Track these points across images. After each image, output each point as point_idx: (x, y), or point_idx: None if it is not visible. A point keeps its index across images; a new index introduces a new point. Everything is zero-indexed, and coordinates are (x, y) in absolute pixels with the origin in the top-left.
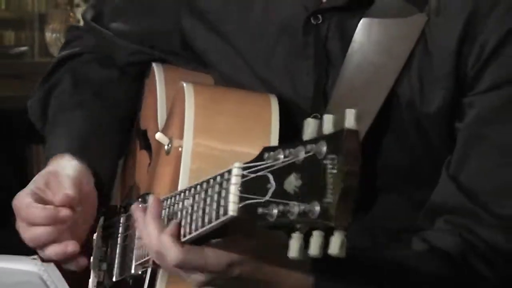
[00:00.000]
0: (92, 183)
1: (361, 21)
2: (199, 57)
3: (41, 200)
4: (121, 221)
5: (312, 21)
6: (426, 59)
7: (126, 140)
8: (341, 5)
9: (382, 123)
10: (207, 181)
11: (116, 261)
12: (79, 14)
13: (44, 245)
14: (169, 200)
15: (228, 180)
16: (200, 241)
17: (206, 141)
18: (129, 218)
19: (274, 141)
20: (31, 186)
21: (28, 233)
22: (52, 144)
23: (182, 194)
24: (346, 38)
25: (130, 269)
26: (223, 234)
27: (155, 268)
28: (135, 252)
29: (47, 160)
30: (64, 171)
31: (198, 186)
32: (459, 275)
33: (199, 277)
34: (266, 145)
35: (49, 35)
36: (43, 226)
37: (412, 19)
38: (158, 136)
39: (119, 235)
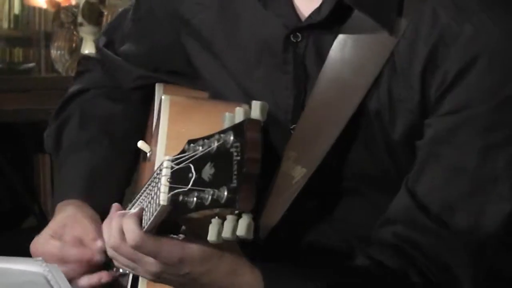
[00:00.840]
0: (97, 215)
1: (336, 39)
2: (197, 75)
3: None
4: None
5: (292, 38)
6: (394, 79)
7: (135, 165)
8: (317, 23)
9: (352, 130)
10: (154, 177)
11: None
12: (82, 32)
13: (74, 278)
14: (133, 200)
15: (160, 172)
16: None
17: (175, 150)
18: None
19: None
20: (48, 231)
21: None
22: (63, 187)
23: (141, 192)
24: (322, 55)
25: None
26: (174, 228)
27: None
28: None
29: (55, 200)
30: (80, 218)
31: (149, 182)
32: None
33: (151, 266)
34: None
35: (54, 52)
36: (75, 264)
37: (382, 40)
38: (140, 144)
39: None
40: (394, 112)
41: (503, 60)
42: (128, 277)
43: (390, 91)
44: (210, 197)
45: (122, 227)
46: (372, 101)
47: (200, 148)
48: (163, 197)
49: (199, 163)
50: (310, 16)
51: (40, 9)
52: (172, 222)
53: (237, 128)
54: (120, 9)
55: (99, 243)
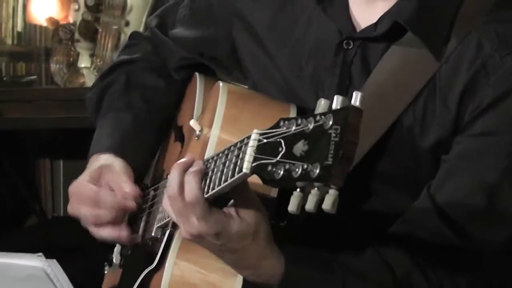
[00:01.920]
0: (130, 167)
1: (385, 53)
2: (239, 65)
3: (98, 195)
4: (150, 195)
5: (344, 45)
6: (431, 99)
7: (163, 138)
8: (372, 37)
9: (385, 140)
10: (229, 148)
11: (141, 226)
12: (79, 48)
13: (102, 225)
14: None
15: (247, 144)
16: (219, 202)
17: (229, 132)
18: (156, 194)
19: None
20: (86, 176)
21: (92, 212)
22: (99, 140)
23: (207, 162)
24: (368, 64)
25: (151, 232)
26: (224, 202)
27: (173, 232)
28: (158, 216)
29: (91, 153)
30: (115, 167)
31: (220, 153)
32: None
33: (193, 228)
34: None
35: (53, 66)
36: (107, 209)
37: (427, 62)
38: (192, 123)
39: (147, 206)
40: (426, 126)
41: None
42: (164, 237)
43: (425, 109)
44: (300, 171)
45: (183, 180)
46: (408, 116)
47: (294, 126)
48: (246, 165)
49: (291, 139)
50: (366, 28)
51: (40, 26)
52: (224, 197)
53: (338, 113)
54: (114, 27)
55: (131, 189)
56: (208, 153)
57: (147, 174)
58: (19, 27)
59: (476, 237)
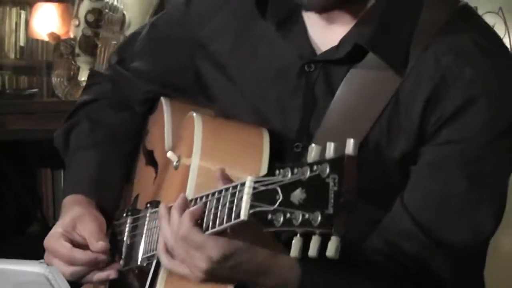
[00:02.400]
0: (101, 216)
1: (348, 73)
2: (205, 92)
3: (72, 242)
4: (128, 222)
5: (306, 68)
6: (395, 114)
7: (133, 167)
8: (334, 60)
9: None
10: (219, 191)
11: (123, 254)
12: (79, 62)
13: (84, 277)
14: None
15: (241, 190)
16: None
17: (209, 162)
18: (136, 219)
19: (264, 165)
20: (59, 229)
21: (69, 270)
22: (70, 181)
23: (193, 201)
24: (331, 85)
25: (137, 260)
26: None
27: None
28: (142, 246)
29: (65, 193)
30: (86, 221)
31: (210, 195)
32: None
33: (201, 262)
34: (258, 168)
35: (55, 80)
36: (82, 265)
37: (389, 79)
38: (169, 154)
39: (126, 233)
40: (392, 140)
41: (498, 102)
42: (151, 266)
43: (390, 124)
44: (300, 219)
45: (176, 219)
46: (375, 132)
47: (289, 174)
48: (244, 212)
49: (288, 187)
50: (327, 51)
51: (42, 41)
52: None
53: (334, 162)
54: (113, 42)
55: (101, 245)
56: (190, 183)
57: (119, 205)
58: (22, 41)
59: (449, 241)
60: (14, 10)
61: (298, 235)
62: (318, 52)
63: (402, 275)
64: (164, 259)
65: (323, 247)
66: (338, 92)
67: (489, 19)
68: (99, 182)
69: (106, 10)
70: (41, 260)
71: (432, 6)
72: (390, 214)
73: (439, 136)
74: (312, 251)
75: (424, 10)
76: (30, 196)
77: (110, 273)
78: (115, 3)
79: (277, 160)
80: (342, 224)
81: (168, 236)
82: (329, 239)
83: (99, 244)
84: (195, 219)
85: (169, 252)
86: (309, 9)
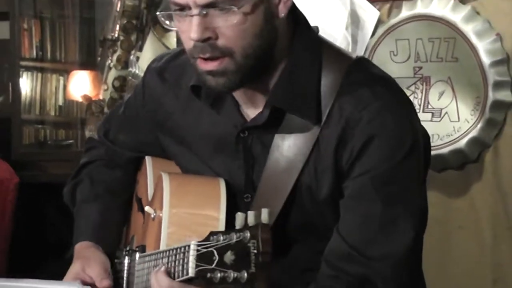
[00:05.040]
0: (105, 257)
1: (276, 133)
2: (170, 158)
3: (83, 282)
4: (126, 262)
5: (241, 134)
6: (318, 157)
7: (129, 211)
8: (261, 124)
9: (291, 199)
10: (176, 249)
11: (124, 285)
12: None
13: None
14: (153, 255)
15: (188, 251)
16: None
17: (177, 213)
18: (131, 260)
19: (222, 210)
20: (72, 273)
21: None
22: (78, 231)
23: (159, 254)
24: (265, 143)
25: None
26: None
27: None
28: (135, 285)
29: (74, 240)
30: (92, 262)
31: (169, 251)
32: None
33: None
34: (217, 215)
35: (87, 133)
36: None
37: (310, 130)
38: (147, 209)
39: (125, 270)
40: (319, 181)
41: (393, 137)
42: None
43: (316, 166)
44: (232, 277)
45: (157, 280)
46: (305, 175)
47: (221, 239)
48: (191, 271)
49: (221, 250)
50: (254, 118)
51: (77, 102)
52: None
53: (252, 229)
54: None
55: (106, 283)
56: (164, 230)
57: (120, 244)
58: (60, 102)
59: (378, 255)
60: (54, 76)
61: None
62: (248, 119)
63: None
64: None
65: None
66: (271, 148)
67: (440, 87)
68: (101, 228)
69: (130, 77)
70: (78, 281)
71: (330, 62)
72: (330, 242)
73: (353, 171)
74: None
75: (325, 67)
76: (67, 227)
77: None
78: (137, 71)
79: (232, 207)
80: (264, 279)
81: None
82: None
83: (103, 282)
84: (166, 274)
85: None
86: (221, 90)
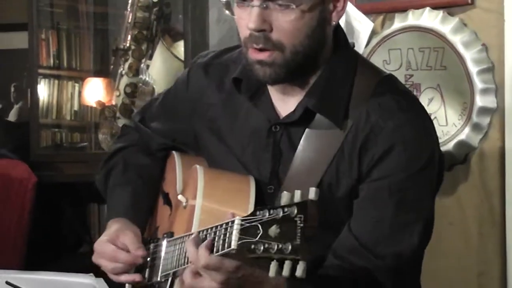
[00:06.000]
0: (138, 230)
1: (305, 132)
2: (198, 149)
3: (116, 246)
4: (151, 248)
5: (273, 129)
6: (341, 160)
7: (156, 199)
8: (291, 122)
9: None
10: (216, 226)
11: (147, 273)
12: (119, 123)
13: (119, 274)
14: (185, 237)
15: (232, 226)
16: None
17: (209, 203)
18: (156, 246)
19: (251, 204)
20: (106, 237)
21: (111, 266)
22: (111, 210)
23: (200, 232)
24: (292, 141)
25: (157, 276)
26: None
27: (173, 278)
28: (161, 267)
29: (107, 219)
30: (127, 230)
31: (208, 229)
32: None
33: (217, 276)
34: (246, 207)
35: (101, 136)
36: (123, 263)
37: (335, 134)
38: (179, 197)
39: (150, 256)
40: (339, 181)
41: (413, 147)
42: (168, 281)
43: (338, 168)
44: (276, 248)
45: (197, 251)
46: (327, 175)
47: (267, 214)
48: (234, 243)
49: (266, 224)
50: (287, 115)
51: (91, 107)
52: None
53: (300, 205)
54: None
55: (140, 252)
56: (196, 218)
57: (146, 226)
58: (76, 107)
59: (384, 254)
60: (70, 83)
61: (274, 260)
62: (281, 116)
63: (353, 282)
64: (188, 278)
65: (293, 269)
66: (298, 147)
67: (429, 93)
68: (132, 209)
69: (140, 84)
70: (91, 274)
71: (363, 75)
72: (340, 237)
73: (372, 175)
74: (285, 272)
75: (357, 79)
76: (81, 224)
77: (135, 277)
78: (147, 79)
79: (257, 198)
80: (307, 251)
81: (194, 263)
82: (297, 263)
83: (139, 251)
84: (209, 249)
85: (193, 274)
86: (266, 81)
